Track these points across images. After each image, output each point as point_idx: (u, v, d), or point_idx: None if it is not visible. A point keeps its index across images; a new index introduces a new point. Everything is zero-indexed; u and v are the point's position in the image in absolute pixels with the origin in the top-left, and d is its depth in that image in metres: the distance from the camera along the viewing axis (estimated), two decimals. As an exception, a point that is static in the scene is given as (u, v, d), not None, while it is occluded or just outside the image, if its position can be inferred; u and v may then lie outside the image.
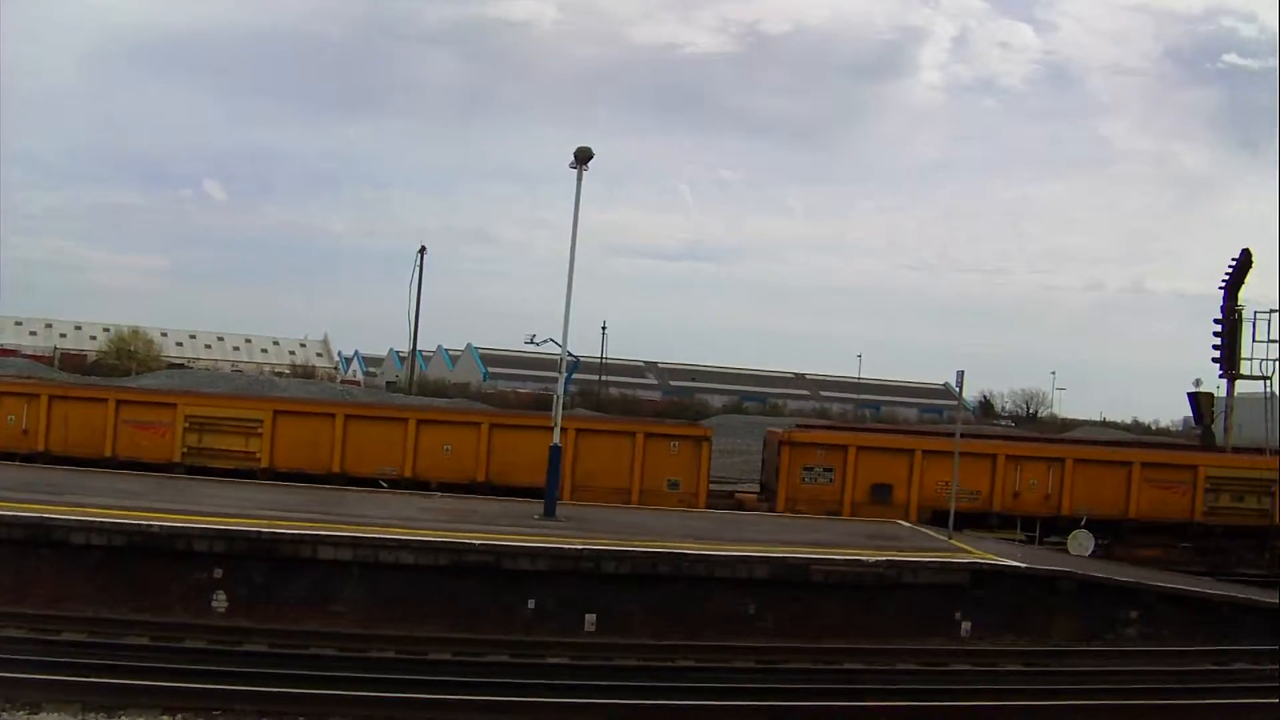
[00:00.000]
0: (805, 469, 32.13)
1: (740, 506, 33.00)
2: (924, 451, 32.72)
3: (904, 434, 42.31)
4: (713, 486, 34.55)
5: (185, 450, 30.52)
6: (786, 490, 32.11)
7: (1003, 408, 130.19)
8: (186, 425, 30.62)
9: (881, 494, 32.06)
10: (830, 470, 32.07)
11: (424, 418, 32.52)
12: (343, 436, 30.84)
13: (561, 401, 28.88)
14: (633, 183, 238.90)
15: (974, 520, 31.50)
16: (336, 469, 30.63)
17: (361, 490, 29.52)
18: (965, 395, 35.15)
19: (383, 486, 30.28)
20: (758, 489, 35.99)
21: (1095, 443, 45.29)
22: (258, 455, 30.63)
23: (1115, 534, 32.44)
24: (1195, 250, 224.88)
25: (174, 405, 31.25)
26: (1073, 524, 31.77)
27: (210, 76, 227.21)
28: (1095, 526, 31.75)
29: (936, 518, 31.25)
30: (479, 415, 35.48)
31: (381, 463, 30.83)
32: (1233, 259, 41.31)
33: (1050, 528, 32.15)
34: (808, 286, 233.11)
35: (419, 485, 30.55)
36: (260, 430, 30.77)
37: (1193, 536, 33.08)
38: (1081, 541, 31.09)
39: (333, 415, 31.65)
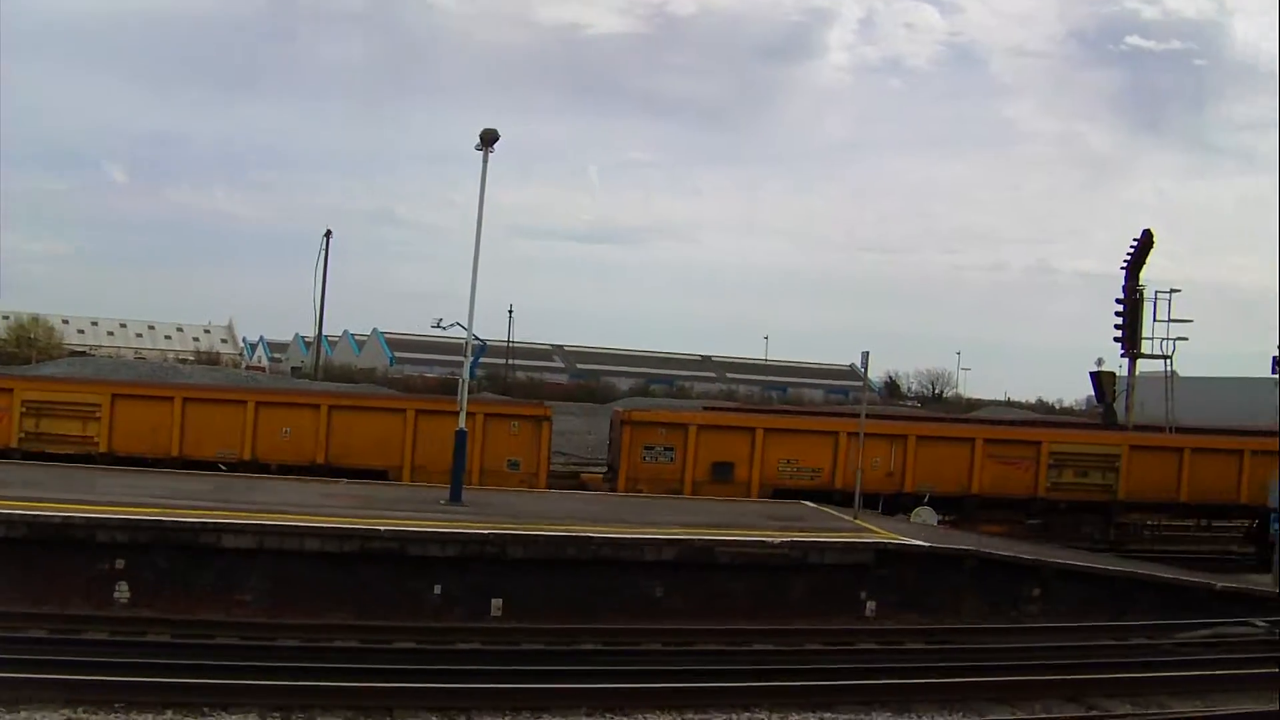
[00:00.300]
0: (646, 448, 32.12)
1: (584, 486, 33.11)
2: (765, 430, 32.84)
3: (745, 412, 42.63)
4: (562, 467, 34.64)
5: (22, 435, 30.04)
6: (627, 469, 32.12)
7: (908, 388, 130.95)
8: (23, 410, 30.11)
9: (723, 473, 32.13)
10: (671, 449, 32.08)
11: (263, 400, 32.20)
12: (181, 420, 30.45)
13: (467, 385, 28.82)
14: (541, 164, 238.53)
15: (817, 498, 31.59)
16: (176, 453, 30.25)
17: (264, 477, 29.31)
18: (871, 376, 35.44)
19: (221, 470, 30.01)
20: (605, 469, 35.77)
21: (938, 419, 45.42)
22: (96, 440, 30.17)
23: (959, 510, 32.72)
24: (1099, 230, 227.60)
25: (10, 390, 30.70)
26: (915, 501, 32.11)
27: (112, 58, 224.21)
28: (939, 503, 32.05)
29: (778, 496, 31.57)
30: (318, 397, 35.05)
31: (221, 446, 30.53)
32: (1134, 239, 41.96)
33: (893, 505, 32.20)
34: (716, 268, 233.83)
35: (259, 468, 30.31)
36: (98, 414, 30.29)
37: (1037, 512, 33.48)
38: (924, 518, 31.34)
39: (171, 399, 31.20)
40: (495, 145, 27.73)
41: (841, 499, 31.80)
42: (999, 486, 33.32)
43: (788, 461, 32.27)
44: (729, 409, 50.79)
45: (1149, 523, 35.63)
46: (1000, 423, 47.84)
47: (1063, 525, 33.17)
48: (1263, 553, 34.88)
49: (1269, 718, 16.73)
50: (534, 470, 31.46)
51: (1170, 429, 40.53)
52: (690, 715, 15.89)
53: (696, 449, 32.13)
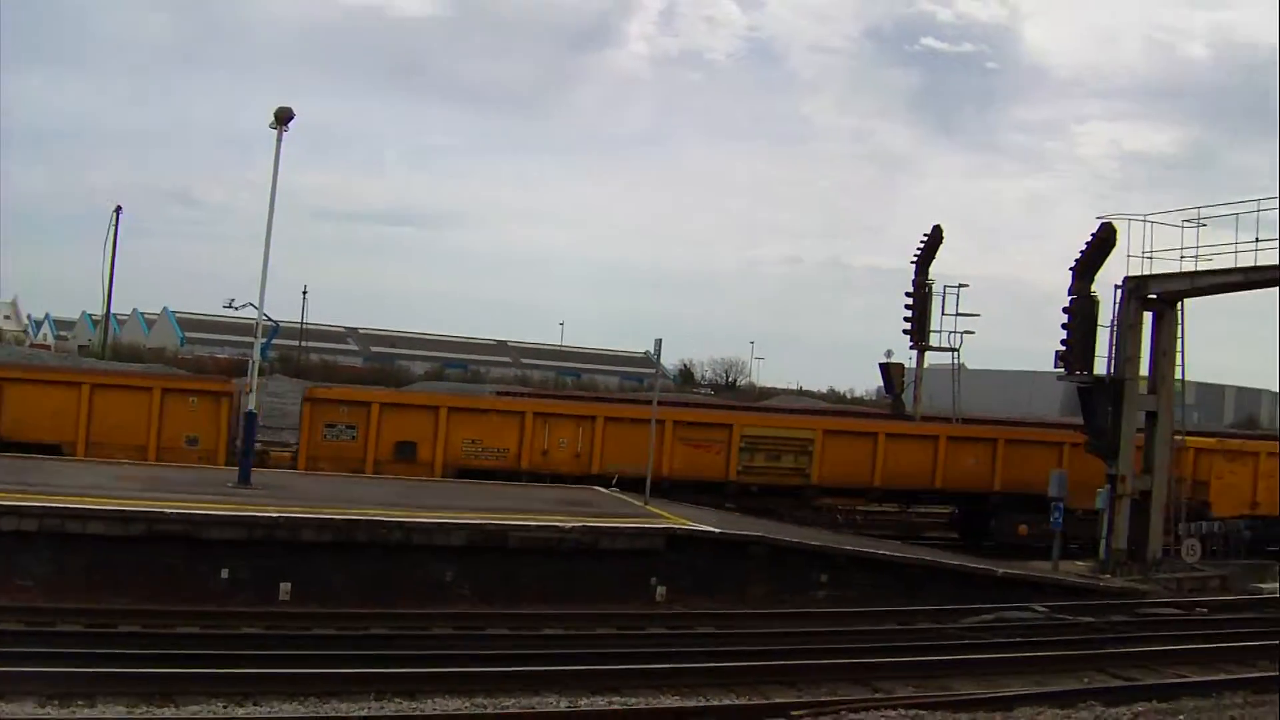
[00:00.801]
0: (328, 426, 31.75)
1: (264, 464, 31.92)
2: (449, 409, 32.60)
3: (431, 393, 42.22)
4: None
5: None
6: (308, 447, 31.79)
7: (703, 376, 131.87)
8: None
9: (406, 452, 31.94)
10: (353, 428, 31.77)
11: None
12: None
13: (257, 366, 28.44)
14: (340, 145, 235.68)
15: (504, 478, 31.41)
16: None
17: (49, 458, 28.54)
18: (666, 363, 35.67)
19: None
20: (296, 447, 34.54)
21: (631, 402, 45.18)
22: None
23: (652, 493, 31.58)
24: (892, 226, 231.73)
25: None
26: (604, 483, 31.98)
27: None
28: (631, 485, 31.52)
29: (462, 475, 31.40)
30: None
31: None
32: (924, 235, 42.73)
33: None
34: (514, 253, 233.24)
35: None
36: None
37: (730, 495, 33.65)
38: None
39: None
40: (290, 124, 27.34)
41: (529, 478, 31.72)
42: (691, 469, 33.41)
43: (472, 441, 32.13)
44: (521, 394, 50.73)
45: (842, 508, 36.04)
46: (695, 405, 48.05)
47: (756, 509, 32.87)
48: (967, 539, 35.91)
49: (1046, 698, 17.22)
50: (213, 448, 30.65)
51: (956, 419, 41.46)
52: (480, 700, 15.85)
53: (379, 427, 31.78)
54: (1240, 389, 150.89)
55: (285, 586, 22.39)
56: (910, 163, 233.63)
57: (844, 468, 34.70)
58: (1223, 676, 19.96)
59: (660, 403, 31.91)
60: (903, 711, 15.62)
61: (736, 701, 16.72)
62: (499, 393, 50.04)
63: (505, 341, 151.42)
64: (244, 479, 26.47)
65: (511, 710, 15.33)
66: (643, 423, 32.14)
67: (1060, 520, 30.53)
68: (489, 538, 23.68)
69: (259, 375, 29.04)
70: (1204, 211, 29.90)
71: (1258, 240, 28.49)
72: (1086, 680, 19.48)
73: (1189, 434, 35.62)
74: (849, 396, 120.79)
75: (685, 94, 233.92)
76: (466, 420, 32.45)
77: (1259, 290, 31.64)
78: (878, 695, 17.24)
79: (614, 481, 31.54)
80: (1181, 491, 33.72)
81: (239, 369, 50.86)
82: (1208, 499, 36.13)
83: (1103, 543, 31.24)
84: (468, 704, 15.60)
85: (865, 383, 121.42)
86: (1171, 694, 18.20)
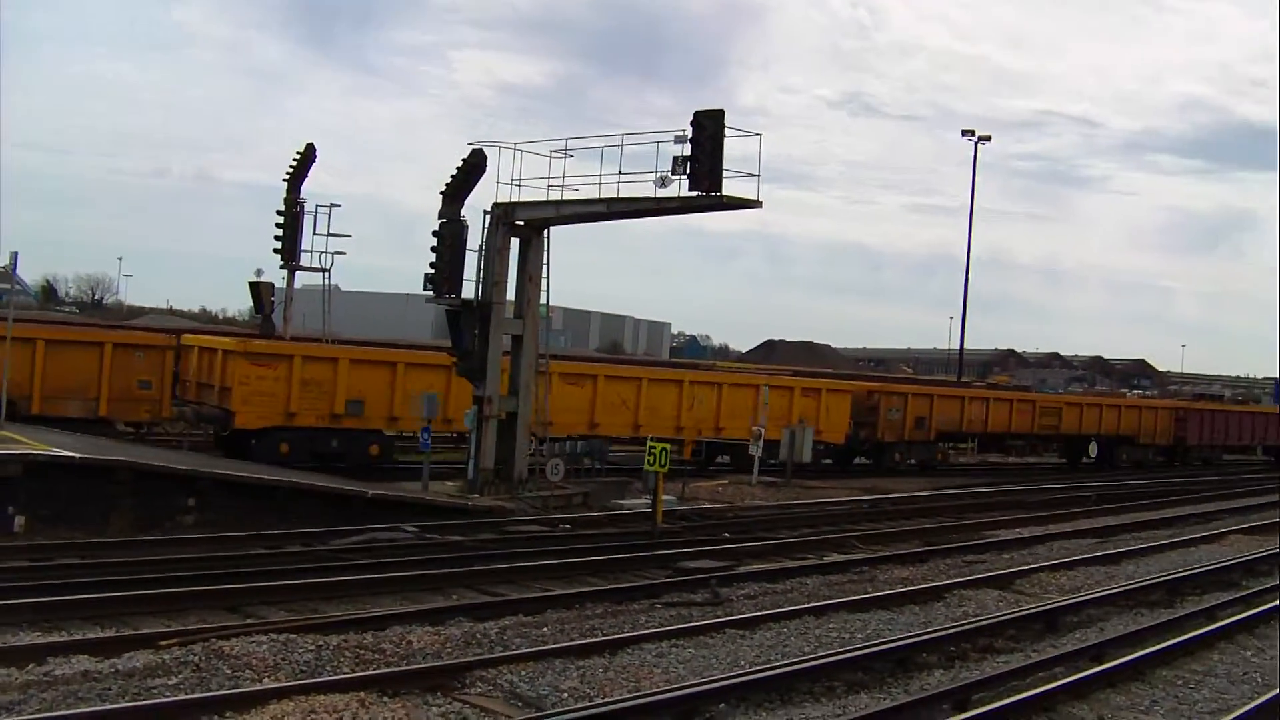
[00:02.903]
0: None
1: None
2: None
3: None
4: None
5: None
6: None
7: (67, 293, 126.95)
8: None
9: None
10: None
11: None
12: None
13: None
14: None
15: None
16: None
17: None
18: (26, 279, 33.85)
19: None
20: None
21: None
22: None
23: None
24: (264, 142, 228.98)
25: None
26: None
27: None
28: None
29: None
30: None
31: None
32: (298, 152, 42.36)
33: None
34: None
35: None
36: None
37: None
38: None
39: None
40: None
41: None
42: None
43: None
44: None
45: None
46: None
47: None
48: None
49: (418, 616, 17.60)
50: None
51: (327, 340, 41.41)
52: None
53: None
54: (606, 315, 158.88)
55: None
56: (285, 78, 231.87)
57: None
58: (583, 589, 20.96)
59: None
60: (274, 636, 15.56)
61: (102, 635, 16.14)
62: None
63: None
64: None
65: None
66: None
67: (429, 442, 31.03)
68: None
69: None
70: (571, 144, 30.82)
71: (620, 173, 29.57)
72: (456, 597, 19.99)
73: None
74: (221, 316, 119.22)
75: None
76: None
77: (623, 220, 32.97)
78: (249, 621, 17.09)
79: None
80: (206, 398, 34.47)
81: None
82: (231, 406, 34.48)
83: (470, 463, 31.96)
84: None
85: (239, 301, 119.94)
86: (537, 608, 18.97)
